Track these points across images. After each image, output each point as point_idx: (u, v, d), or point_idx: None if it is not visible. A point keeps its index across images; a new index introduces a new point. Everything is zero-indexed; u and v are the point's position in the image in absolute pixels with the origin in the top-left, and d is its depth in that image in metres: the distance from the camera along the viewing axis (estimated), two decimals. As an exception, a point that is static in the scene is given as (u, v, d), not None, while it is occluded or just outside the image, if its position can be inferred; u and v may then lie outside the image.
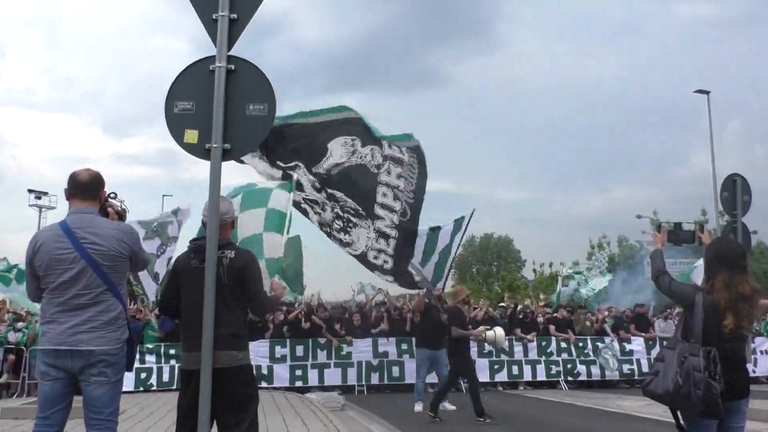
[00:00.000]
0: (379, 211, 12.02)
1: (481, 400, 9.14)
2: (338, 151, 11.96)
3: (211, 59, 3.98)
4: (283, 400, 10.38)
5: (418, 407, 10.26)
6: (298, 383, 13.15)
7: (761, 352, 15.44)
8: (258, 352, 13.13)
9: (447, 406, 10.37)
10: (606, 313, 16.30)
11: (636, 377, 14.61)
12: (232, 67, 3.97)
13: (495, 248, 56.40)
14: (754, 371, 15.31)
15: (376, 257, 12.12)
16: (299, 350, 13.41)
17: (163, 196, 38.25)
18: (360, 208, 12.04)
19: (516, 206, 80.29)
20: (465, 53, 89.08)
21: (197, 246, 3.87)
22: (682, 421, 3.66)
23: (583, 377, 14.55)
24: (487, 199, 74.13)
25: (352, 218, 12.11)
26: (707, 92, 22.98)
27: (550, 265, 39.34)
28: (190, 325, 3.76)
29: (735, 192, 9.30)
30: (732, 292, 3.57)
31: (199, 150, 3.93)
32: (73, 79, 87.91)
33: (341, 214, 12.04)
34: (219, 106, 3.89)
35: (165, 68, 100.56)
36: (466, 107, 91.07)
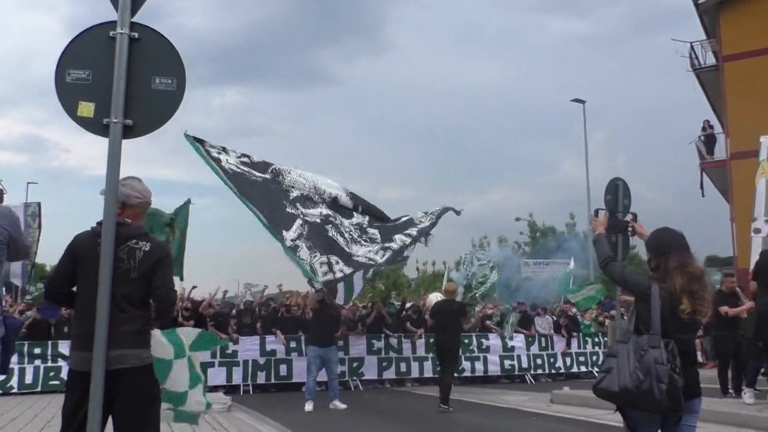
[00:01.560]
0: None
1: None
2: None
3: (111, 25, 3.54)
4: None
5: (309, 407, 10.02)
6: (180, 383, 12.46)
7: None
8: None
9: (338, 404, 10.22)
10: (491, 310, 16.84)
11: (516, 373, 15.23)
12: (136, 35, 3.56)
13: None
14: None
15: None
16: (181, 349, 12.71)
17: (28, 183, 35.30)
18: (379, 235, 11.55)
19: (400, 205, 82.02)
20: (353, 53, 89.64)
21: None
22: (628, 420, 3.44)
23: (467, 373, 14.90)
24: (371, 197, 73.90)
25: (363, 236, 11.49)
26: (583, 101, 24.40)
27: (433, 263, 40.18)
28: (88, 319, 3.25)
29: (617, 195, 9.83)
30: (685, 273, 3.40)
31: (96, 125, 3.48)
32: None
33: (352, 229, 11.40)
34: (120, 77, 3.46)
35: (33, 49, 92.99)
36: (353, 107, 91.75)
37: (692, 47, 22.95)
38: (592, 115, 78.03)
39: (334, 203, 10.93)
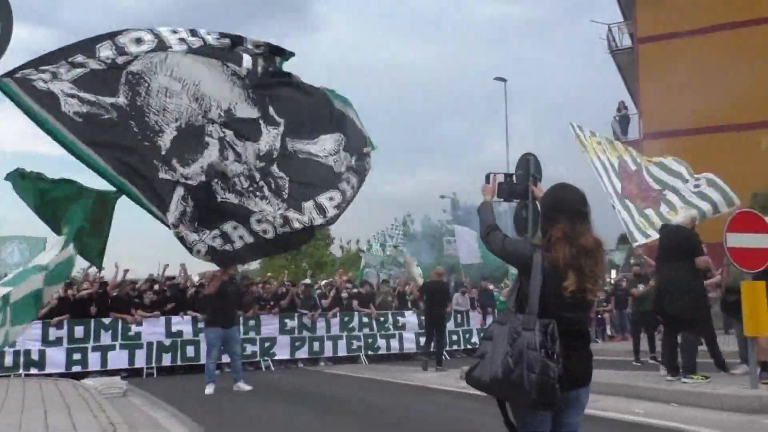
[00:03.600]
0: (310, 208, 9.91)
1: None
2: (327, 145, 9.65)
3: None
4: (53, 388, 9.12)
5: (209, 389, 9.58)
6: (77, 368, 11.77)
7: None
8: (27, 334, 11.52)
9: (242, 386, 9.82)
10: (407, 288, 16.74)
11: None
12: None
13: (304, 224, 56.27)
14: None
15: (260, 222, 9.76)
16: (79, 331, 11.99)
17: None
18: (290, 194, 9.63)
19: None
20: (285, 31, 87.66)
21: None
22: (511, 417, 2.94)
23: (383, 351, 14.79)
24: (301, 178, 73.31)
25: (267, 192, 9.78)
26: (505, 80, 24.58)
27: (357, 242, 39.92)
28: None
29: (528, 170, 9.75)
30: (573, 245, 2.85)
31: None
32: None
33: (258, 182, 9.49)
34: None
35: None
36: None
37: (610, 29, 23.41)
38: (520, 98, 79.45)
39: (229, 124, 9.21)
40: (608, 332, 18.57)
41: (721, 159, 19.84)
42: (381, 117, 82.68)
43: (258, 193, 8.54)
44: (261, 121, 8.11)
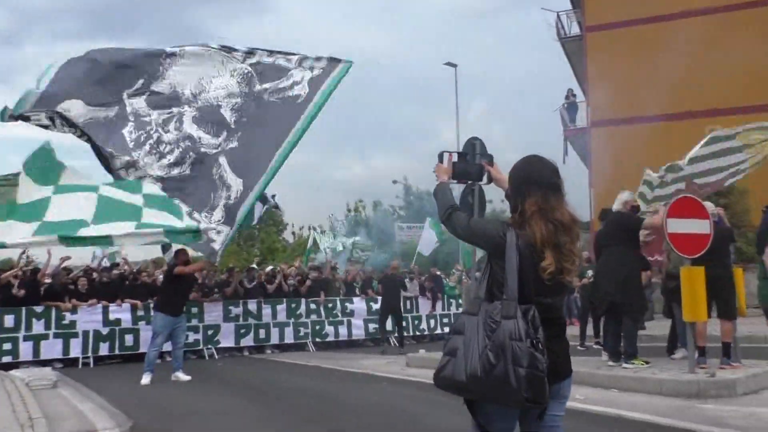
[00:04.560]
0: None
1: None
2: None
3: None
4: (-24, 380, 8.63)
5: (146, 379, 9.21)
6: (6, 358, 11.21)
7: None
8: (-48, 323, 10.95)
9: (180, 376, 9.49)
10: (358, 274, 16.61)
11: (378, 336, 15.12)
12: None
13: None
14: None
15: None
16: (9, 320, 11.41)
17: None
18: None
19: (288, 171, 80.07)
20: (233, 12, 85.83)
21: None
22: (480, 418, 2.59)
23: (331, 338, 14.59)
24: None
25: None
26: (455, 65, 24.52)
27: (309, 228, 39.56)
28: None
29: (474, 154, 9.65)
30: (549, 219, 2.56)
31: None
32: None
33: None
34: None
35: None
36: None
37: (558, 17, 23.54)
38: (472, 85, 79.81)
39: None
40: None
41: (667, 148, 20.24)
42: (332, 102, 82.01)
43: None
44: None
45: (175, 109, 9.76)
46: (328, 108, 10.64)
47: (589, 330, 11.86)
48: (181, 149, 9.84)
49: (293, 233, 39.74)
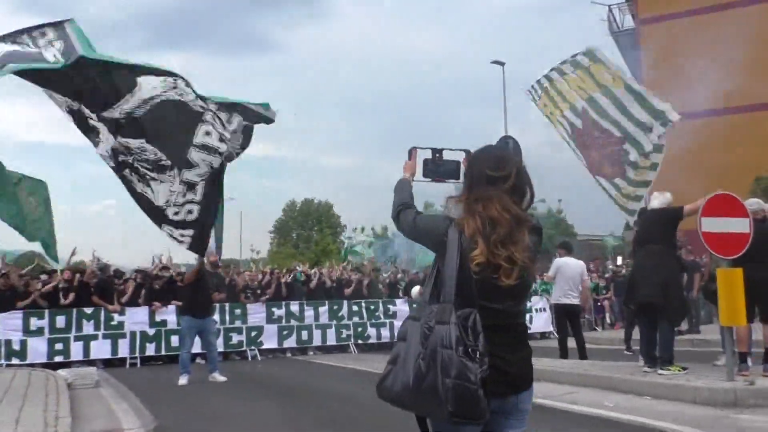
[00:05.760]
0: (194, 155, 9.11)
1: None
2: (150, 84, 8.94)
3: None
4: (23, 379, 9.00)
5: (183, 380, 9.42)
6: (59, 358, 11.69)
7: (536, 311, 16.53)
8: (8, 324, 11.50)
9: (216, 377, 9.67)
10: (401, 275, 16.60)
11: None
12: None
13: (316, 213, 56.33)
14: (529, 327, 16.41)
15: (177, 213, 9.29)
16: (60, 321, 11.90)
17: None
18: (163, 157, 9.00)
19: (342, 173, 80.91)
20: (296, 20, 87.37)
21: None
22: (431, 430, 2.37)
23: (373, 340, 14.59)
24: (314, 164, 73.90)
25: (149, 173, 9.45)
26: (502, 63, 24.13)
27: (362, 230, 39.78)
28: None
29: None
30: (480, 214, 2.35)
31: None
32: None
33: (137, 167, 9.24)
34: None
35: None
36: (293, 74, 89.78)
37: (610, 10, 22.83)
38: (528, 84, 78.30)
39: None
40: (608, 320, 18.23)
41: (728, 142, 19.35)
42: (392, 105, 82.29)
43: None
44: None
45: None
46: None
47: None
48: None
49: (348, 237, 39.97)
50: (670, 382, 6.87)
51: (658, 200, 7.79)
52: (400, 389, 2.26)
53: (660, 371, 7.28)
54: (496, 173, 2.40)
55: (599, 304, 18.21)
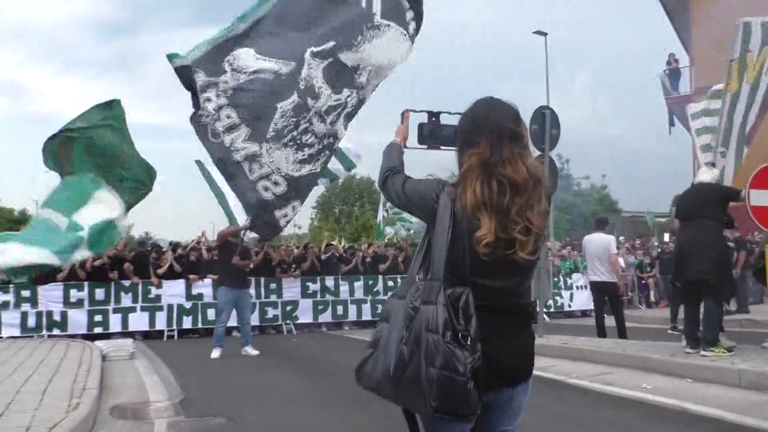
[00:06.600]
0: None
1: None
2: None
3: None
4: (59, 350, 9.18)
5: (216, 353, 9.45)
6: (98, 329, 11.91)
7: (577, 288, 16.11)
8: (49, 296, 11.74)
9: (249, 351, 9.67)
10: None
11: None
12: None
13: (357, 189, 56.43)
14: (569, 305, 16.02)
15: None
16: (99, 294, 12.10)
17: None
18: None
19: (383, 148, 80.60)
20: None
21: None
22: (420, 425, 2.10)
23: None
24: (355, 140, 73.63)
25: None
26: (545, 34, 23.39)
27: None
28: None
29: (544, 125, 9.08)
30: (493, 175, 2.00)
31: None
32: None
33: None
34: None
35: None
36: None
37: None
38: (576, 56, 76.34)
39: None
40: (652, 298, 17.69)
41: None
42: (434, 78, 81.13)
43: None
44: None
45: (344, 95, 7.75)
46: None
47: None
48: (321, 146, 7.96)
49: (387, 210, 39.78)
50: (714, 364, 6.51)
51: (708, 174, 7.32)
52: (380, 377, 2.01)
53: (703, 352, 6.92)
54: (518, 128, 2.07)
55: (644, 282, 17.67)
